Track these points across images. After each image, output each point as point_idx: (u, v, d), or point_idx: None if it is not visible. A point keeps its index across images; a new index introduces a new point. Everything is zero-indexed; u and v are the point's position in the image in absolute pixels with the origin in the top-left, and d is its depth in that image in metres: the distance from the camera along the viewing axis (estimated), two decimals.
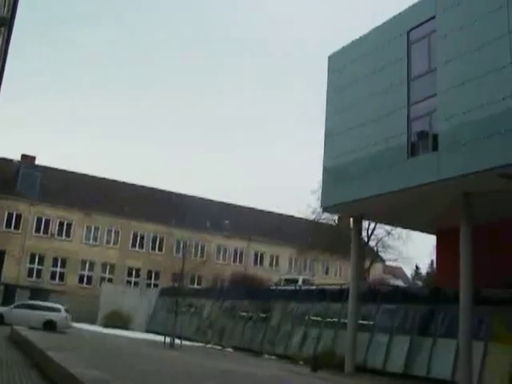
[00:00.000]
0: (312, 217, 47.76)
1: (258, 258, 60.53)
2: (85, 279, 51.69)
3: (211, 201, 60.22)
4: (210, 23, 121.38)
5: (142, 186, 57.70)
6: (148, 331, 41.85)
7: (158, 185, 61.48)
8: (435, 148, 19.09)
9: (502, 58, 16.85)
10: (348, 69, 23.94)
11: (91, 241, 52.69)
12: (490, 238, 22.51)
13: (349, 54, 24.06)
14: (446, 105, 18.78)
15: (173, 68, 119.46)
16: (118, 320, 42.89)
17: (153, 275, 54.71)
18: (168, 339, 27.13)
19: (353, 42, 23.96)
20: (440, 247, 27.76)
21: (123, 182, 56.81)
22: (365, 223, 39.16)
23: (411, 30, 21.09)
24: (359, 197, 22.05)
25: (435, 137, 19.18)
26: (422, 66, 20.51)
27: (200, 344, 33.61)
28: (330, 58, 25.34)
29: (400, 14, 21.60)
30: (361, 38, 23.46)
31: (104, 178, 55.93)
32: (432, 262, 53.46)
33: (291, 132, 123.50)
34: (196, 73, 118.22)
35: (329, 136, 24.38)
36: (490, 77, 17.26)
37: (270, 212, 63.15)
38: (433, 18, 19.98)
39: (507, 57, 16.68)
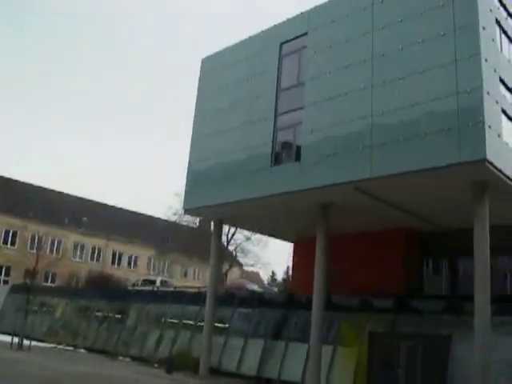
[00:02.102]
0: (173, 218, 47.61)
1: (117, 258, 59.11)
2: None
3: (70, 196, 57.91)
4: None
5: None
6: None
7: (14, 175, 58.14)
8: (298, 159, 19.77)
9: (364, 80, 17.95)
10: (220, 73, 24.12)
11: None
12: (343, 248, 23.77)
13: (223, 58, 24.26)
14: (311, 118, 19.54)
15: None
16: None
17: (3, 271, 51.40)
18: (16, 340, 25.58)
19: (227, 47, 24.20)
20: (296, 254, 28.77)
21: None
22: (225, 227, 39.67)
23: (284, 43, 21.74)
24: (221, 201, 22.23)
25: (299, 148, 19.86)
26: (292, 79, 21.18)
27: (51, 345, 32.04)
28: (203, 60, 25.41)
29: (275, 25, 22.18)
30: (236, 44, 23.75)
31: None
32: (288, 268, 55.27)
33: (158, 135, 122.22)
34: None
35: (196, 138, 24.37)
36: (352, 95, 18.27)
37: (130, 211, 61.99)
38: (305, 34, 20.76)
39: (369, 79, 17.81)
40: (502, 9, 18.46)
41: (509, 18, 19.09)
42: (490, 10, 17.09)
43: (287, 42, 21.66)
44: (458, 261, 24.44)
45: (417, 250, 24.81)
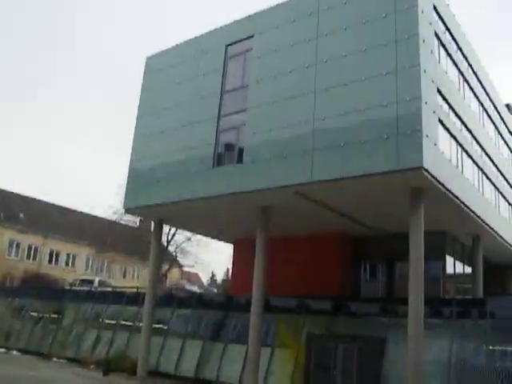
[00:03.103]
0: (113, 217, 46.92)
1: (54, 257, 57.55)
2: None
3: (5, 191, 56.08)
4: None
5: None
6: None
7: None
8: (240, 161, 19.85)
9: (307, 85, 18.22)
10: (165, 72, 23.92)
11: None
12: (283, 250, 24.03)
13: (168, 58, 24.07)
14: (254, 121, 19.65)
15: None
16: None
17: None
18: None
19: (173, 47, 24.04)
20: (236, 256, 28.87)
21: None
22: (166, 228, 39.36)
23: (230, 44, 21.78)
24: (162, 201, 22.04)
25: (241, 150, 19.94)
26: (236, 81, 21.24)
27: None
28: (148, 59, 25.15)
29: (221, 27, 22.20)
30: (181, 44, 23.64)
31: None
32: (228, 269, 55.38)
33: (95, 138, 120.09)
34: None
35: (138, 137, 24.08)
36: (295, 100, 18.49)
37: (69, 209, 60.62)
38: (251, 37, 20.87)
39: (312, 84, 18.08)
40: (440, 22, 19.14)
41: (447, 32, 19.82)
42: (430, 24, 17.68)
43: (233, 44, 21.71)
44: (393, 264, 25.11)
45: (354, 254, 25.39)
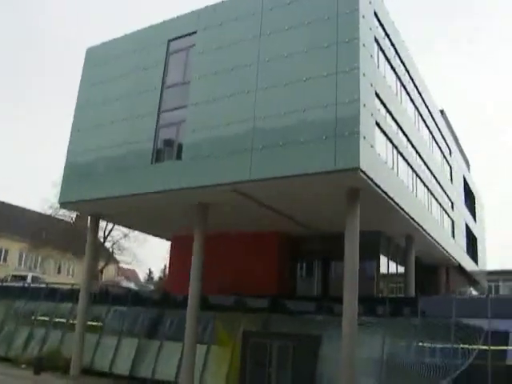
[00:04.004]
0: (49, 212, 45.72)
1: None
2: None
3: None
4: None
5: None
6: None
7: None
8: (179, 157, 19.72)
9: (249, 84, 18.27)
10: (106, 65, 23.47)
11: None
12: (220, 248, 24.08)
13: (109, 50, 23.63)
14: (195, 117, 19.56)
15: None
16: None
17: None
18: None
19: (114, 39, 23.59)
20: (174, 253, 28.69)
21: None
22: (102, 223, 38.70)
23: (172, 40, 21.58)
24: (99, 196, 21.60)
25: (180, 146, 19.82)
26: (178, 77, 21.07)
27: None
28: (88, 51, 24.61)
29: (164, 21, 21.96)
30: (123, 36, 23.23)
31: None
32: (165, 266, 54.92)
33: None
34: None
35: (76, 130, 23.51)
36: (236, 98, 18.51)
37: (1, 202, 58.63)
38: (194, 33, 20.75)
39: (253, 83, 18.14)
40: (380, 28, 19.59)
41: (386, 38, 20.30)
42: (370, 29, 18.07)
43: (176, 39, 21.53)
44: (329, 263, 25.56)
45: (291, 253, 25.69)
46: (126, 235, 46.69)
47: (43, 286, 32.92)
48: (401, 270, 26.03)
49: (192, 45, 20.77)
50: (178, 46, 21.45)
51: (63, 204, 24.51)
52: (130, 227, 35.27)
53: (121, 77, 22.59)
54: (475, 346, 17.07)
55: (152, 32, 22.30)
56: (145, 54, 22.15)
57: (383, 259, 24.76)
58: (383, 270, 24.81)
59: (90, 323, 23.98)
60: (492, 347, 16.88)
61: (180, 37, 21.40)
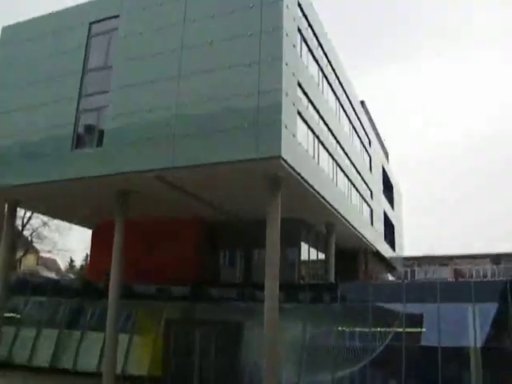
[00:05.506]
0: None
1: None
2: None
3: None
4: None
5: None
6: None
7: None
8: (100, 143, 19.24)
9: (172, 70, 18.07)
10: (23, 45, 22.47)
11: None
12: (141, 235, 23.85)
13: (27, 30, 22.59)
14: (117, 103, 19.13)
15: None
16: None
17: None
18: None
19: (33, 18, 22.56)
20: (95, 242, 28.09)
21: None
22: (21, 211, 37.39)
23: (94, 22, 20.93)
24: (17, 183, 20.72)
25: (101, 132, 19.35)
26: (100, 61, 20.48)
27: None
28: (3, 29, 23.46)
29: (86, 3, 21.27)
30: (42, 16, 22.26)
31: None
32: (87, 255, 53.79)
33: None
34: None
35: None
36: (158, 84, 18.26)
37: None
38: (117, 16, 20.25)
39: (176, 69, 17.96)
40: (303, 19, 19.87)
41: (309, 28, 20.61)
42: (294, 19, 18.29)
43: (97, 21, 20.93)
44: (251, 251, 25.83)
45: (213, 240, 25.76)
46: (45, 223, 45.34)
47: None
48: (321, 256, 26.68)
49: (115, 28, 20.26)
50: (100, 29, 20.81)
51: None
52: (50, 215, 34.22)
53: (40, 58, 21.67)
54: (391, 329, 17.84)
55: (72, 13, 21.51)
56: (65, 35, 21.36)
57: (304, 246, 25.28)
58: (304, 256, 25.35)
59: (7, 315, 23.15)
60: (407, 329, 17.68)
61: (102, 20, 20.80)
